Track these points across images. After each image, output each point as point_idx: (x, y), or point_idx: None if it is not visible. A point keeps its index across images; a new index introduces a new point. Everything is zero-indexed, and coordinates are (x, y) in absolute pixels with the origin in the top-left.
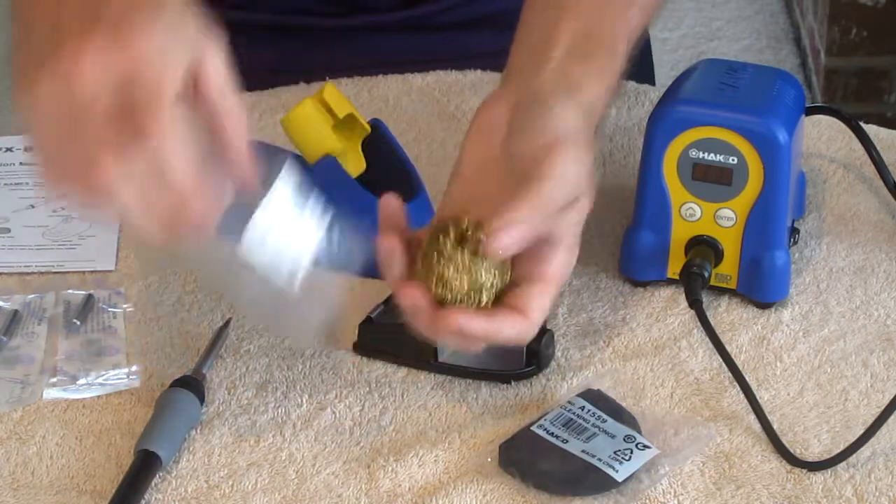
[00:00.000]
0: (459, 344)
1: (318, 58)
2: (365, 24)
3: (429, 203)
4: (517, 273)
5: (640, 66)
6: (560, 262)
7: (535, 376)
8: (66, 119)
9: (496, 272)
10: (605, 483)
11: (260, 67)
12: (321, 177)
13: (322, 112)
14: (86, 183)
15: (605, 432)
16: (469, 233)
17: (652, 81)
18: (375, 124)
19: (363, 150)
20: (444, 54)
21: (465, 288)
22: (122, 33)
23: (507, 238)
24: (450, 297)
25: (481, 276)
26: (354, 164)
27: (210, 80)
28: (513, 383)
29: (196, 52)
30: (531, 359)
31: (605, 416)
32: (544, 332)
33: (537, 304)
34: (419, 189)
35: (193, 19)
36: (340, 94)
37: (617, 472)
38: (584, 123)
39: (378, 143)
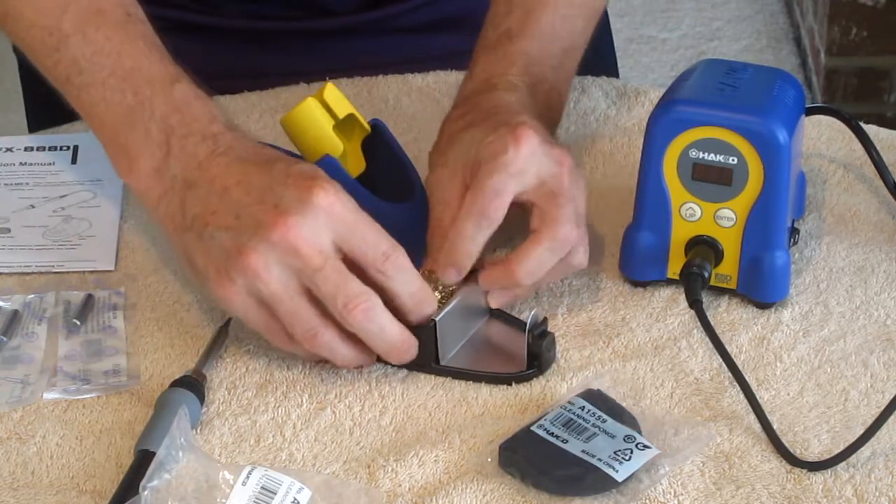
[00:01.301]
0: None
1: (284, 62)
2: (327, 28)
3: (426, 204)
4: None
5: (600, 57)
6: (560, 218)
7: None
8: (296, 282)
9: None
10: (605, 483)
11: (225, 71)
12: None
13: (322, 112)
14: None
15: (605, 432)
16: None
17: (615, 73)
18: (375, 124)
19: (363, 150)
20: (408, 57)
21: None
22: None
23: (453, 275)
24: None
25: None
26: (354, 164)
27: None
28: (513, 384)
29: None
30: (532, 361)
31: (605, 416)
32: (545, 335)
33: (523, 259)
34: (418, 189)
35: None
36: (341, 93)
37: (617, 472)
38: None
39: (378, 143)
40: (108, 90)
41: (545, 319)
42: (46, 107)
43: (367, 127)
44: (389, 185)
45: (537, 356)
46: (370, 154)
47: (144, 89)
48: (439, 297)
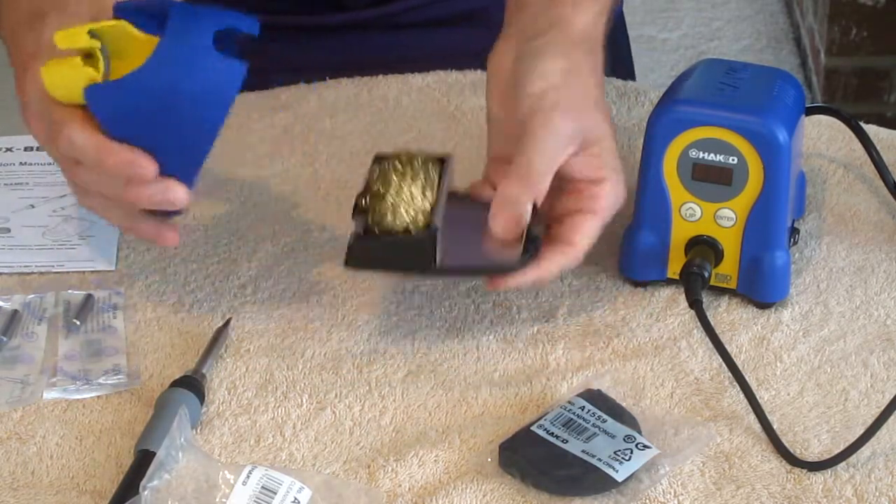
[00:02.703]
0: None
1: (289, 58)
2: (337, 23)
3: (187, 9)
4: (567, 207)
5: (619, 63)
6: (607, 194)
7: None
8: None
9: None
10: (605, 483)
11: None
12: (102, 106)
13: (61, 63)
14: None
15: (605, 432)
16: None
17: (632, 74)
18: (119, 14)
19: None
20: (416, 53)
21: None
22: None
23: (501, 221)
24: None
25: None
26: (120, 71)
27: None
28: (513, 384)
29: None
30: (529, 245)
31: (605, 416)
32: (535, 211)
33: (583, 233)
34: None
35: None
36: (70, 30)
37: (617, 472)
38: (568, 73)
39: (143, 14)
40: None
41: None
42: None
43: (117, 22)
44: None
45: (535, 239)
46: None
47: None
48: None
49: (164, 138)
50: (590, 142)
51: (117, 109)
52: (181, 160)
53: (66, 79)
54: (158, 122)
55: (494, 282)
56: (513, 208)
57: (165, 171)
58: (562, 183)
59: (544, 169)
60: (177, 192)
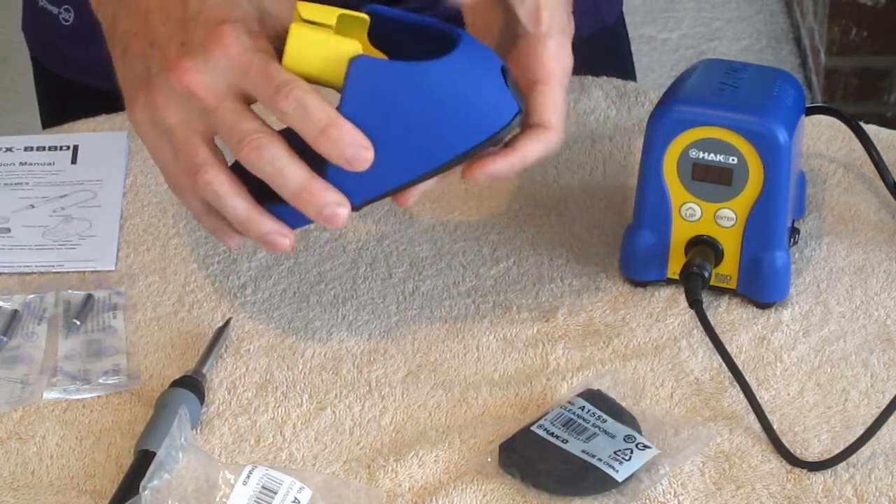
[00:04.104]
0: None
1: None
2: None
3: (475, 41)
4: (521, 85)
5: (620, 64)
6: (550, 55)
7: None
8: (196, 119)
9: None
10: (605, 483)
11: None
12: (363, 82)
13: (315, 30)
14: (234, 143)
15: (605, 432)
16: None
17: (633, 77)
18: (371, 10)
19: (373, 42)
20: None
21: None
22: (214, 45)
23: None
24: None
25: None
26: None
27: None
28: (513, 384)
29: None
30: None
31: (605, 416)
32: (505, 71)
33: (548, 107)
34: (456, 33)
35: None
36: (316, 4)
37: (617, 472)
38: None
39: (385, 25)
40: None
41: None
42: (60, 101)
43: (365, 16)
44: (425, 51)
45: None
46: (385, 39)
47: None
48: None
49: (397, 141)
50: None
51: (376, 92)
52: (390, 171)
53: (324, 46)
54: (408, 122)
55: (473, 168)
56: None
57: (363, 175)
58: (507, 35)
59: None
60: (342, 213)
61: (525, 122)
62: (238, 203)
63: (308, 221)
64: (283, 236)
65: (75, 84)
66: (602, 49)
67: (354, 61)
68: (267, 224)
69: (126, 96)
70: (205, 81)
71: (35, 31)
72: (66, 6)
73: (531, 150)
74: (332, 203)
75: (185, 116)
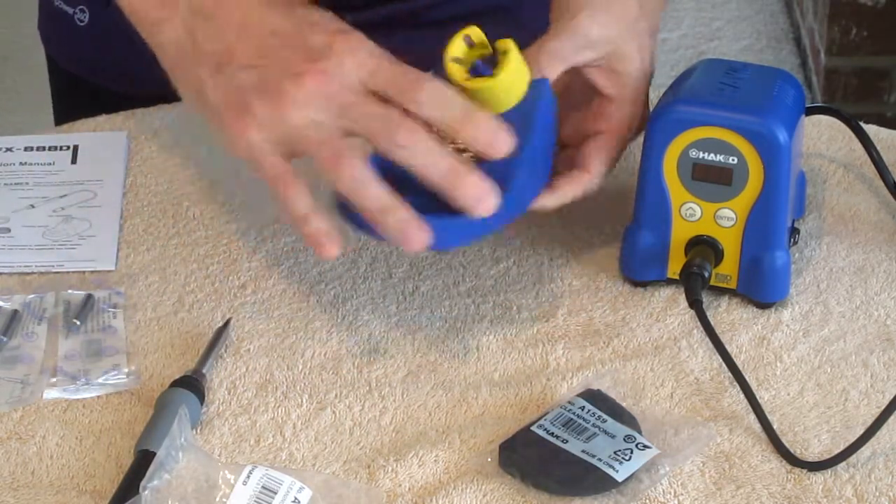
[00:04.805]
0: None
1: None
2: (352, 23)
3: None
4: (579, 131)
5: None
6: (619, 116)
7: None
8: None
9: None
10: (605, 483)
11: None
12: (546, 102)
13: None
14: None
15: (605, 432)
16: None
17: None
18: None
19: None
20: (429, 53)
21: None
22: (279, 103)
23: (546, 65)
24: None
25: None
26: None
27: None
28: (513, 384)
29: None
30: None
31: (605, 416)
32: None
33: (597, 157)
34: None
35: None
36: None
37: (617, 472)
38: None
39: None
40: None
41: None
42: (74, 100)
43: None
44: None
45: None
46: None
47: None
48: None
49: (539, 160)
50: (614, 58)
51: (549, 111)
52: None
53: (522, 75)
54: (547, 141)
55: None
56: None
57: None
58: (575, 96)
59: (554, 53)
60: (490, 201)
61: (568, 160)
62: (380, 190)
63: (457, 240)
64: (419, 229)
65: (89, 83)
66: None
67: (539, 83)
68: (406, 213)
69: (224, 111)
70: (340, 82)
71: (50, 31)
72: (82, 6)
73: (569, 191)
74: (482, 189)
75: (320, 118)
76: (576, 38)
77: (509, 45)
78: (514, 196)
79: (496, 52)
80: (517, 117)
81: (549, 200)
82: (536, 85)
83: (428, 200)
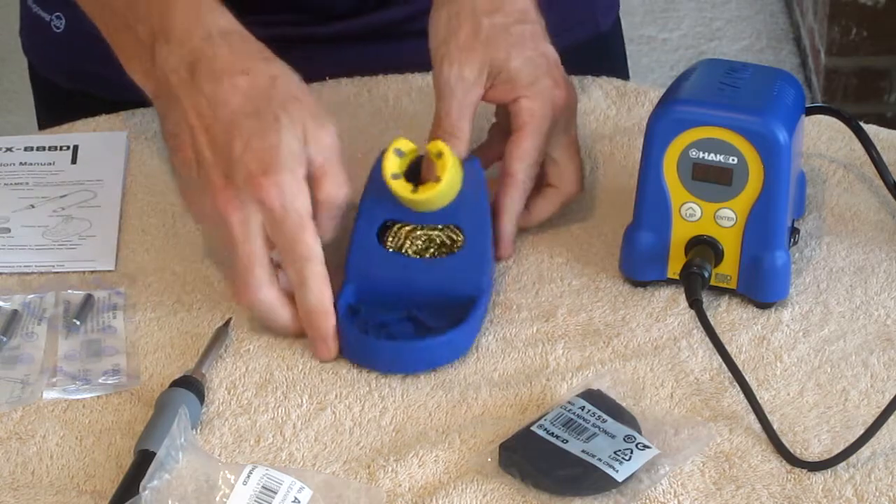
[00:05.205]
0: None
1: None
2: (334, 34)
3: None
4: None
5: (617, 70)
6: (523, 109)
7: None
8: (226, 242)
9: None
10: (605, 483)
11: None
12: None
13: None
14: (240, 296)
15: (605, 432)
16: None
17: (626, 75)
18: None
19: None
20: (414, 62)
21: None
22: (256, 188)
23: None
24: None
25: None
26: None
27: (323, 185)
28: (513, 384)
29: (309, 160)
30: None
31: (605, 416)
32: None
33: (515, 156)
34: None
35: (300, 113)
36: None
37: (617, 472)
38: (458, 6)
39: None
40: None
41: None
42: (55, 106)
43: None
44: None
45: None
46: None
47: None
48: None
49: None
50: (494, 72)
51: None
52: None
53: (458, 170)
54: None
55: (507, 247)
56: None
57: None
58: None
59: (455, 115)
60: (323, 351)
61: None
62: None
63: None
64: (328, 345)
65: (69, 89)
66: (595, 55)
67: (470, 164)
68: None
69: (178, 183)
70: (240, 217)
71: (29, 37)
72: (58, 13)
73: (512, 203)
74: (322, 333)
75: (221, 232)
76: (452, 87)
77: (441, 146)
78: (490, 279)
79: (427, 153)
80: (464, 205)
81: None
82: (468, 166)
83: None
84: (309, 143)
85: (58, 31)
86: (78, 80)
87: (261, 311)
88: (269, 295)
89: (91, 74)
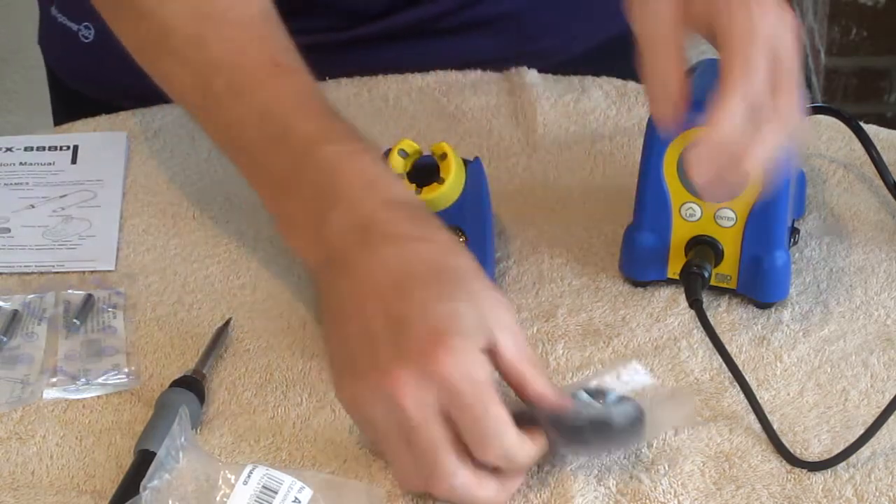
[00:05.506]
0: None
1: (323, 74)
2: (367, 35)
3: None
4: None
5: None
6: (733, 24)
7: None
8: (398, 429)
9: None
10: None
11: None
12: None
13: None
14: (432, 487)
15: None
16: None
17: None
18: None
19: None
20: (448, 61)
21: None
22: (431, 358)
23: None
24: None
25: None
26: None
27: (506, 355)
28: None
29: (488, 332)
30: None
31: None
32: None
33: (722, 91)
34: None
35: (481, 287)
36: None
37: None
38: None
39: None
40: (261, 154)
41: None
42: (71, 103)
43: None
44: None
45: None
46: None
47: (295, 151)
48: None
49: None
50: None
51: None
52: None
53: (461, 171)
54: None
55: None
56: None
57: None
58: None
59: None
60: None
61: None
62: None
63: None
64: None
65: (92, 97)
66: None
67: (473, 164)
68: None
69: (332, 364)
70: (416, 397)
71: (53, 46)
72: (87, 23)
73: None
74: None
75: (391, 418)
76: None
77: (445, 147)
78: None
79: (432, 153)
80: (466, 206)
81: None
82: (470, 167)
83: None
84: (489, 320)
85: (86, 41)
86: (105, 91)
87: (462, 498)
88: (464, 479)
89: (120, 85)
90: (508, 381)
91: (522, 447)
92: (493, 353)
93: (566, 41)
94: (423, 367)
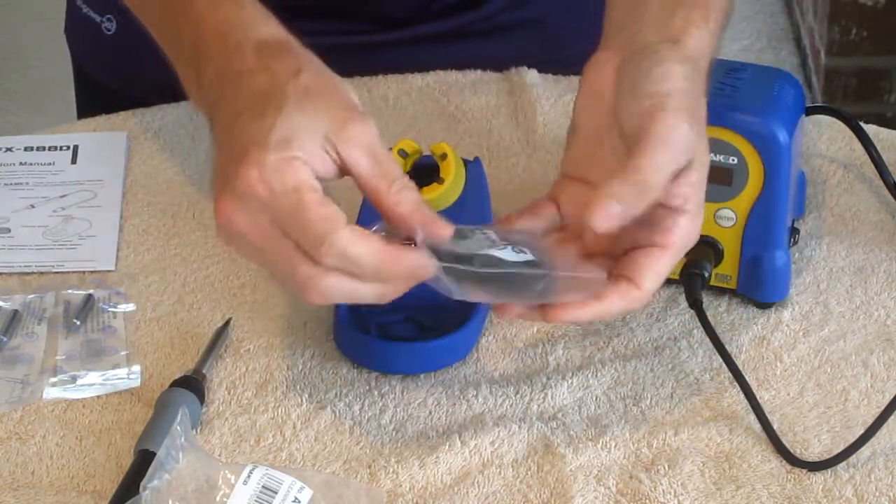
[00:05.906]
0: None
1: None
2: (394, 40)
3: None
4: (633, 239)
5: None
6: (681, 229)
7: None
8: (251, 250)
9: None
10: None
11: None
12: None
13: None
14: (305, 296)
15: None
16: None
17: None
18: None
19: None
20: (469, 66)
21: None
22: (240, 177)
23: (605, 218)
24: None
25: None
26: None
27: (353, 169)
28: (513, 384)
29: (320, 144)
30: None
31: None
32: None
33: (651, 272)
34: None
35: (327, 105)
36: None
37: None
38: (689, 80)
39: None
40: (169, 27)
41: None
42: (100, 106)
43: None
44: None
45: None
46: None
47: (187, 19)
48: None
49: None
50: (689, 166)
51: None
52: None
53: (461, 171)
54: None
55: (558, 313)
56: (617, 209)
57: None
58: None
59: (660, 177)
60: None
61: (619, 270)
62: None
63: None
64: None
65: (116, 91)
66: None
67: (473, 164)
68: (407, 258)
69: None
70: (244, 220)
71: (77, 38)
72: (109, 16)
73: (615, 305)
74: (413, 265)
75: (241, 243)
76: (676, 145)
77: (445, 147)
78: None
79: (432, 153)
80: (466, 206)
81: (593, 312)
82: (471, 168)
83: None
84: (331, 136)
85: (109, 33)
86: (127, 82)
87: (340, 298)
88: (331, 281)
89: (141, 76)
90: (369, 198)
91: (357, 246)
92: (345, 170)
93: (591, 48)
94: (235, 188)
